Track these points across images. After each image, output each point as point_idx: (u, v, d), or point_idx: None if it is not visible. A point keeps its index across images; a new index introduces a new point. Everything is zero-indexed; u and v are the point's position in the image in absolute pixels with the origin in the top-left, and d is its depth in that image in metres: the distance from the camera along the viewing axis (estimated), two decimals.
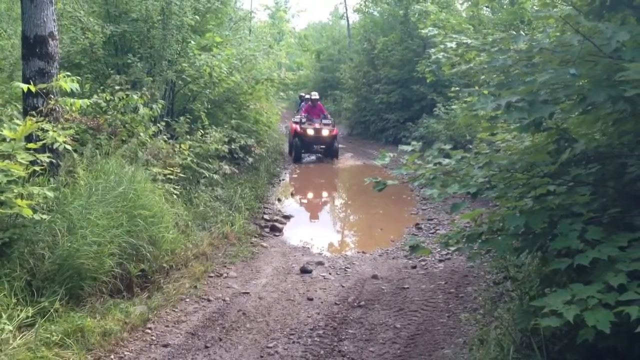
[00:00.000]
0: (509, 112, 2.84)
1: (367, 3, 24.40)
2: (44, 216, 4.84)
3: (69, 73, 5.79)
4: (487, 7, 14.25)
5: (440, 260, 7.20)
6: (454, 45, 4.87)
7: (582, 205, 3.15)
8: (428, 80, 10.95)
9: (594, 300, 2.52)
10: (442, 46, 5.07)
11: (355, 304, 5.76)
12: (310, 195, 12.89)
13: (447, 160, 3.58)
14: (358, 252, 7.89)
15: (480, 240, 3.59)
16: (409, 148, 3.59)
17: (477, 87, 5.63)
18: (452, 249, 3.99)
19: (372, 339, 4.93)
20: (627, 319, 2.45)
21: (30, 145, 4.88)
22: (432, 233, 8.66)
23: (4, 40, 9.97)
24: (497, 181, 3.57)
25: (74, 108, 5.66)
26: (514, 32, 4.24)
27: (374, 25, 22.75)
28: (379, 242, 8.46)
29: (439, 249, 7.32)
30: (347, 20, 34.44)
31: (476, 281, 6.28)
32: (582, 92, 2.94)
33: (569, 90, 2.95)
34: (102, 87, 7.97)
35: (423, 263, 7.13)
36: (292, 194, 11.94)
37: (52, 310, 4.45)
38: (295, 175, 14.46)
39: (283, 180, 13.53)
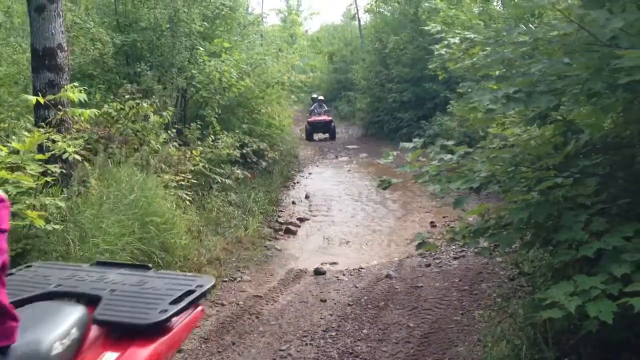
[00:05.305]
0: (506, 104, 2.81)
1: (377, 3, 24.32)
2: (57, 226, 4.88)
3: (76, 84, 5.86)
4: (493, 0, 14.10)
5: (455, 258, 7.15)
6: (457, 40, 4.84)
7: (588, 197, 3.10)
8: (440, 78, 10.85)
9: (596, 291, 2.48)
10: (445, 42, 5.05)
11: (369, 304, 5.73)
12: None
13: (449, 156, 3.55)
14: (373, 252, 7.86)
15: (486, 235, 3.55)
16: (410, 145, 3.57)
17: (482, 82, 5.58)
18: (461, 243, 3.96)
19: (385, 338, 4.90)
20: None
21: (39, 156, 4.94)
22: (447, 231, 8.58)
23: (18, 54, 10.12)
24: (501, 175, 3.53)
25: (82, 118, 5.72)
26: (523, 26, 4.19)
27: (385, 24, 22.68)
28: (394, 241, 8.42)
29: (454, 246, 7.25)
30: (359, 21, 34.49)
31: (490, 278, 6.22)
32: (580, 83, 2.90)
33: (567, 81, 2.90)
34: (113, 97, 8.07)
35: (437, 261, 7.08)
36: (306, 196, 11.90)
37: None
38: None
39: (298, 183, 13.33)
